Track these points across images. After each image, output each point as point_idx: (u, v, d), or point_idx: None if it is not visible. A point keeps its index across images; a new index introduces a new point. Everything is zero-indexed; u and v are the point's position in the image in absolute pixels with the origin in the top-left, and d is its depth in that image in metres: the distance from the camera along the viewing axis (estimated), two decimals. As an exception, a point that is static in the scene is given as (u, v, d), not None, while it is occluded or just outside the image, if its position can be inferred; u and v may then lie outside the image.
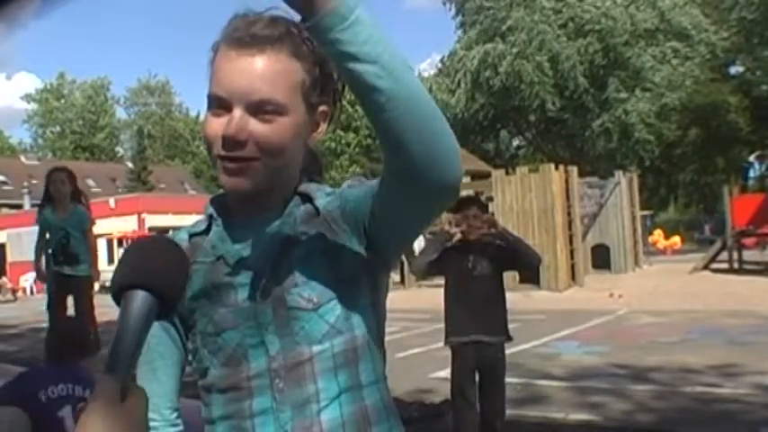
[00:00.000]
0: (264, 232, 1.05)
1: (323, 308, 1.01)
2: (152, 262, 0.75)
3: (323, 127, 1.08)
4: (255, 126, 0.98)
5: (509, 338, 3.83)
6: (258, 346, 1.01)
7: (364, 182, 1.09)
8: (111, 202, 27.38)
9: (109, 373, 0.69)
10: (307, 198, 1.08)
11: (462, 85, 33.29)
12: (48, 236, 6.09)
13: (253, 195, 1.02)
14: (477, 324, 3.69)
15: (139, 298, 0.72)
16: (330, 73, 1.05)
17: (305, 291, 1.01)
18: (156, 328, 1.07)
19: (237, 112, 0.98)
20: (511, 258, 3.74)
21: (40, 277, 6.46)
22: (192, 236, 1.10)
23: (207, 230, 1.09)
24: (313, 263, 1.02)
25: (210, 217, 1.09)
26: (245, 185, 1.00)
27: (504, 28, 31.77)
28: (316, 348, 1.00)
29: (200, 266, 1.06)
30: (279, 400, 0.99)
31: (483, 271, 3.75)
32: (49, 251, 6.08)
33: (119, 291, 0.73)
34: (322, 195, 1.08)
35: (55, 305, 6.08)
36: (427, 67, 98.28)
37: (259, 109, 0.98)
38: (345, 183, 1.14)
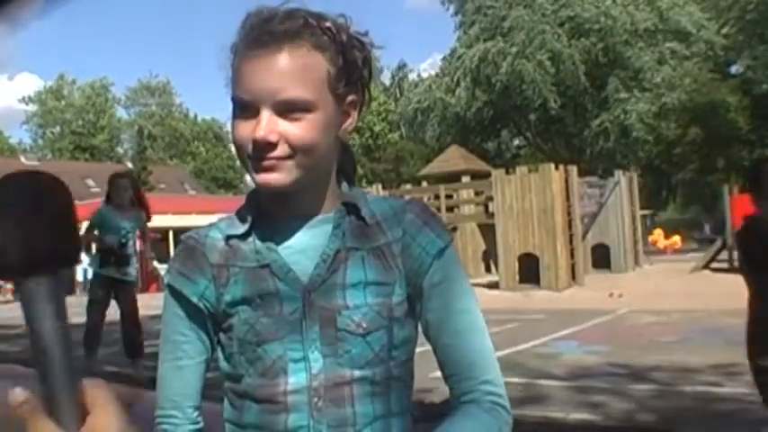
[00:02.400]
0: (311, 241, 1.02)
1: (371, 335, 0.99)
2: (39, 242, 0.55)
3: (354, 116, 1.04)
4: (285, 126, 0.96)
5: None
6: (300, 362, 0.99)
7: (427, 233, 1.04)
8: (112, 202, 27.29)
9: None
10: (351, 207, 1.05)
11: (462, 83, 33.28)
12: (97, 233, 6.14)
13: (288, 193, 0.99)
14: None
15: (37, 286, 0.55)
16: (354, 60, 1.01)
17: (356, 315, 0.99)
18: (186, 326, 1.06)
19: (265, 114, 0.95)
20: None
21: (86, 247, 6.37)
22: (229, 237, 1.05)
23: (247, 232, 1.05)
24: (366, 289, 1.00)
25: (250, 218, 1.05)
26: (279, 181, 0.97)
27: (504, 26, 31.78)
28: (357, 373, 0.99)
29: (240, 271, 1.03)
30: (316, 419, 0.98)
31: None
32: (100, 251, 6.16)
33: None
34: (366, 203, 1.05)
35: (98, 304, 6.20)
36: (428, 67, 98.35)
37: (287, 108, 0.95)
38: (405, 207, 1.06)
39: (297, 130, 0.96)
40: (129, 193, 6.21)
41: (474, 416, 1.01)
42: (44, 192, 0.57)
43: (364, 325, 0.99)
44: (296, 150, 0.96)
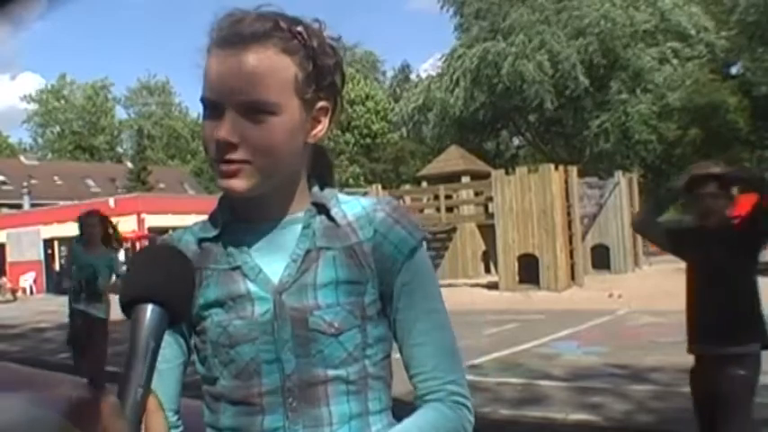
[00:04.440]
0: (281, 243, 1.02)
1: (343, 335, 0.99)
2: (160, 274, 0.72)
3: (324, 123, 1.03)
4: (247, 128, 0.95)
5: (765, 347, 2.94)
6: (273, 363, 0.99)
7: (400, 233, 1.03)
8: (111, 202, 27.27)
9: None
10: (321, 208, 1.04)
11: (462, 83, 33.25)
12: (73, 270, 6.27)
13: (251, 197, 0.99)
14: (714, 333, 2.91)
15: (150, 312, 0.69)
16: (326, 66, 1.00)
17: (328, 315, 0.99)
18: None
19: (229, 115, 0.95)
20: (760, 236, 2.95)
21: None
22: (201, 240, 1.06)
23: (218, 235, 1.05)
24: (338, 289, 1.00)
25: (221, 221, 1.05)
26: (240, 187, 0.97)
27: (505, 26, 31.76)
28: (331, 373, 0.99)
29: (212, 273, 1.03)
30: (291, 419, 0.98)
31: (724, 262, 2.93)
32: (73, 287, 6.24)
33: (128, 304, 0.70)
34: (337, 204, 1.05)
35: (77, 340, 6.27)
36: (429, 67, 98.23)
37: (250, 109, 0.95)
38: (377, 207, 1.06)
39: (259, 132, 0.95)
40: (97, 230, 6.20)
41: (437, 410, 1.01)
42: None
43: (336, 325, 0.99)
44: (256, 154, 0.96)
